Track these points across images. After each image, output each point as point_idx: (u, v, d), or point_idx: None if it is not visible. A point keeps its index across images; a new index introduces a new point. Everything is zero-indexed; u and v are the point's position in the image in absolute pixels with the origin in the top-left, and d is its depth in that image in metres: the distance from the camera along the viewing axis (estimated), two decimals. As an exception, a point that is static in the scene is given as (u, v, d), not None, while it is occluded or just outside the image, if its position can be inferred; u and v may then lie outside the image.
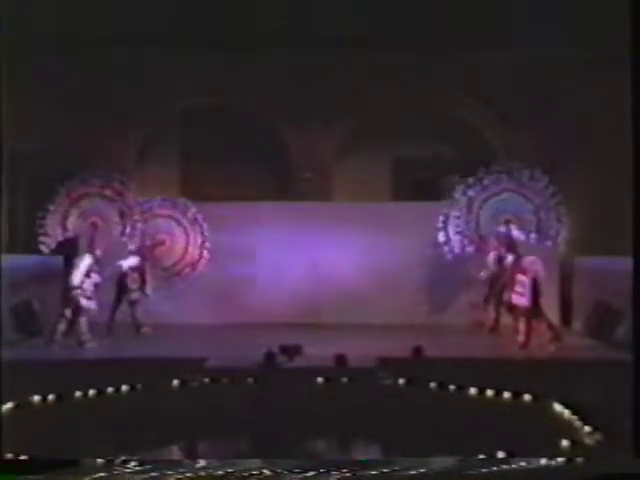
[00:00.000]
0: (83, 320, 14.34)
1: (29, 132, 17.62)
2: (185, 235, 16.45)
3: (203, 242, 16.50)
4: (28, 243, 17.42)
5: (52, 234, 15.45)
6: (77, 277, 14.30)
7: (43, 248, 15.40)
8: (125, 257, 15.77)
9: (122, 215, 15.56)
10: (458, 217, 15.91)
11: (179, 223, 16.49)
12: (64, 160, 16.33)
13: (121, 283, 15.74)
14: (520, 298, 13.94)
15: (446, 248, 15.99)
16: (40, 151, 17.82)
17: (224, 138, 19.35)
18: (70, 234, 15.39)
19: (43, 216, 15.39)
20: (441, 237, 16.01)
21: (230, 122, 19.23)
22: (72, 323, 14.34)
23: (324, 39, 17.97)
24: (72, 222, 15.46)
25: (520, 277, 13.93)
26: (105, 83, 17.93)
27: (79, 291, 14.19)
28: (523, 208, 15.73)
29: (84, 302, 14.25)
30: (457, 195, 16.04)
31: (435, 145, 19.51)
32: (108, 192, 15.54)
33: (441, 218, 16.07)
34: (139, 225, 15.81)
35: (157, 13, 17.98)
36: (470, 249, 15.87)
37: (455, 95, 18.70)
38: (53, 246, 15.45)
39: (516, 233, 15.29)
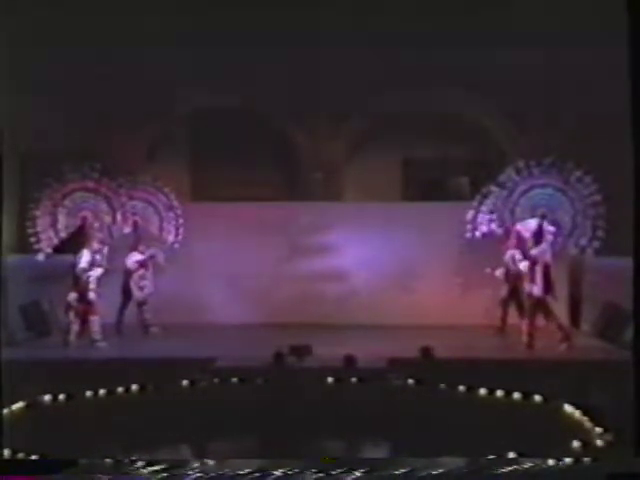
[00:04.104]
0: (95, 319, 14.42)
1: (40, 133, 17.67)
2: (159, 220, 16.51)
3: (177, 229, 16.56)
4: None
5: (45, 238, 15.41)
6: (79, 273, 14.38)
7: (40, 255, 15.37)
8: (125, 253, 15.79)
9: (109, 202, 15.57)
10: (498, 196, 15.80)
11: (154, 208, 16.53)
12: (74, 160, 16.33)
13: (127, 283, 15.77)
14: (534, 287, 14.05)
15: (470, 226, 15.88)
16: (51, 152, 17.83)
17: (234, 139, 19.35)
18: (63, 234, 15.38)
19: (33, 224, 15.35)
20: (470, 215, 15.94)
21: (240, 123, 19.24)
22: (83, 322, 14.42)
23: (335, 39, 17.96)
24: (62, 222, 15.44)
25: (536, 268, 14.05)
26: (115, 84, 17.94)
27: (85, 286, 14.32)
28: (562, 208, 15.55)
29: (92, 296, 14.36)
30: (503, 177, 15.92)
31: (445, 146, 19.48)
32: (90, 184, 15.54)
33: (479, 196, 16.00)
34: (128, 207, 15.81)
35: (168, 11, 17.99)
36: (499, 231, 15.77)
37: (465, 96, 18.66)
38: (48, 250, 15.42)
39: (548, 229, 15.10)
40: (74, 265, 14.57)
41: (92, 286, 14.43)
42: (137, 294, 15.76)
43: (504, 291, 15.65)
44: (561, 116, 17.91)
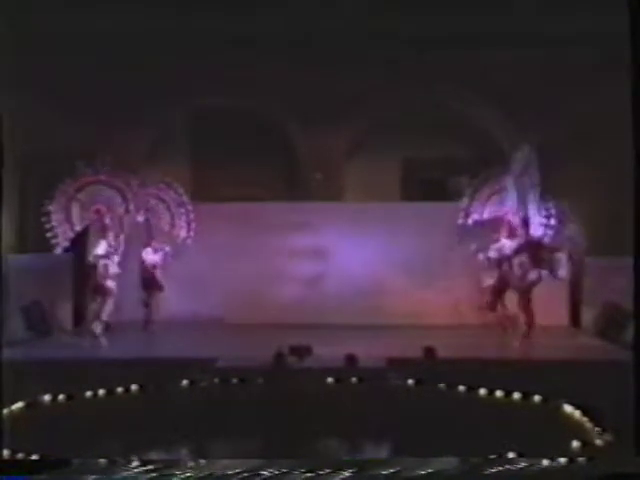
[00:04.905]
0: (110, 302, 14.53)
1: (39, 132, 17.66)
2: (170, 216, 16.51)
3: (189, 224, 16.55)
4: (38, 243, 17.46)
5: (61, 232, 15.41)
6: (95, 260, 14.47)
7: (58, 249, 15.36)
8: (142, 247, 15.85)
9: (122, 194, 15.57)
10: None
11: (166, 204, 16.53)
12: (74, 160, 16.34)
13: (153, 278, 15.78)
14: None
15: (462, 213, 16.12)
16: (50, 151, 17.84)
17: (234, 139, 19.36)
18: (78, 227, 15.39)
19: (48, 219, 15.33)
20: (463, 203, 16.11)
21: (241, 122, 19.25)
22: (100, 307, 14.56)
23: (334, 40, 17.98)
24: (76, 215, 15.45)
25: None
26: (115, 83, 17.94)
27: (103, 274, 14.44)
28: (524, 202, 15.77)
29: (109, 284, 14.46)
30: (486, 175, 16.22)
31: (445, 146, 19.49)
32: (103, 177, 15.56)
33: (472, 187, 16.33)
34: (141, 197, 15.79)
35: (169, 12, 18.01)
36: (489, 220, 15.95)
37: (465, 95, 18.67)
38: (65, 243, 15.42)
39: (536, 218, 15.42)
40: (91, 257, 14.67)
41: (110, 273, 14.53)
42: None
43: (494, 279, 15.67)
44: (561, 116, 17.93)
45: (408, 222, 17.03)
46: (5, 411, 9.09)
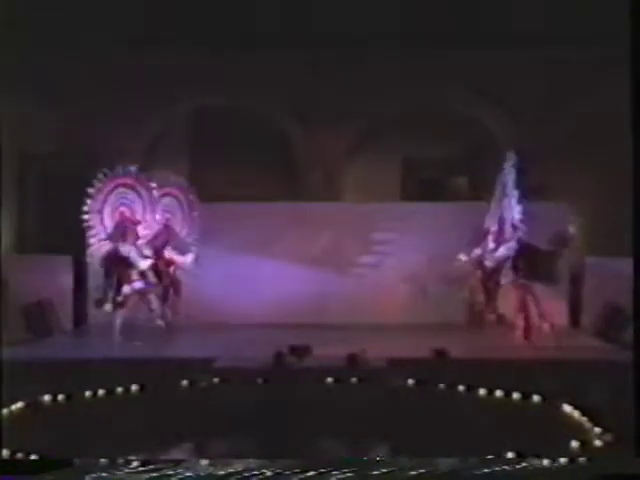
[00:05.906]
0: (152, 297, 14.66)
1: (38, 132, 17.69)
2: (182, 217, 16.49)
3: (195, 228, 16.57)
4: (38, 243, 17.48)
5: (95, 233, 15.27)
6: (138, 265, 14.48)
7: (91, 249, 15.23)
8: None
9: (142, 201, 15.53)
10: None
11: (181, 206, 16.52)
12: (73, 160, 16.34)
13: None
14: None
15: None
16: (50, 151, 17.86)
17: (234, 138, 19.37)
18: (109, 229, 15.35)
19: (87, 219, 15.20)
20: None
21: (240, 122, 19.25)
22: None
23: (335, 38, 17.99)
24: (107, 217, 15.40)
25: None
26: (115, 82, 17.97)
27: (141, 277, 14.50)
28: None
29: (139, 285, 14.51)
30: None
31: (445, 146, 19.50)
32: (129, 180, 15.51)
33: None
34: (159, 208, 15.73)
35: (169, 12, 18.04)
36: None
37: (465, 95, 18.69)
38: (97, 245, 15.31)
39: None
40: (122, 259, 14.63)
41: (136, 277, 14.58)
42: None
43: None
44: (561, 116, 17.94)
45: (408, 222, 16.99)
46: (5, 411, 9.11)
